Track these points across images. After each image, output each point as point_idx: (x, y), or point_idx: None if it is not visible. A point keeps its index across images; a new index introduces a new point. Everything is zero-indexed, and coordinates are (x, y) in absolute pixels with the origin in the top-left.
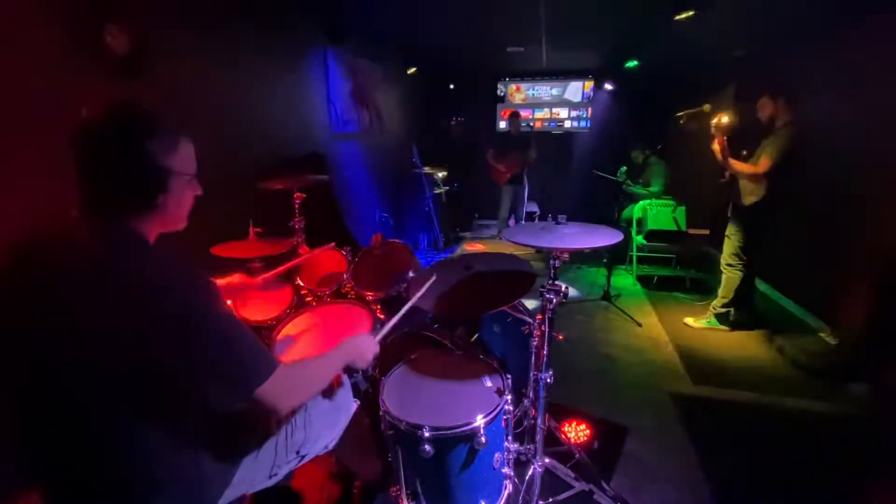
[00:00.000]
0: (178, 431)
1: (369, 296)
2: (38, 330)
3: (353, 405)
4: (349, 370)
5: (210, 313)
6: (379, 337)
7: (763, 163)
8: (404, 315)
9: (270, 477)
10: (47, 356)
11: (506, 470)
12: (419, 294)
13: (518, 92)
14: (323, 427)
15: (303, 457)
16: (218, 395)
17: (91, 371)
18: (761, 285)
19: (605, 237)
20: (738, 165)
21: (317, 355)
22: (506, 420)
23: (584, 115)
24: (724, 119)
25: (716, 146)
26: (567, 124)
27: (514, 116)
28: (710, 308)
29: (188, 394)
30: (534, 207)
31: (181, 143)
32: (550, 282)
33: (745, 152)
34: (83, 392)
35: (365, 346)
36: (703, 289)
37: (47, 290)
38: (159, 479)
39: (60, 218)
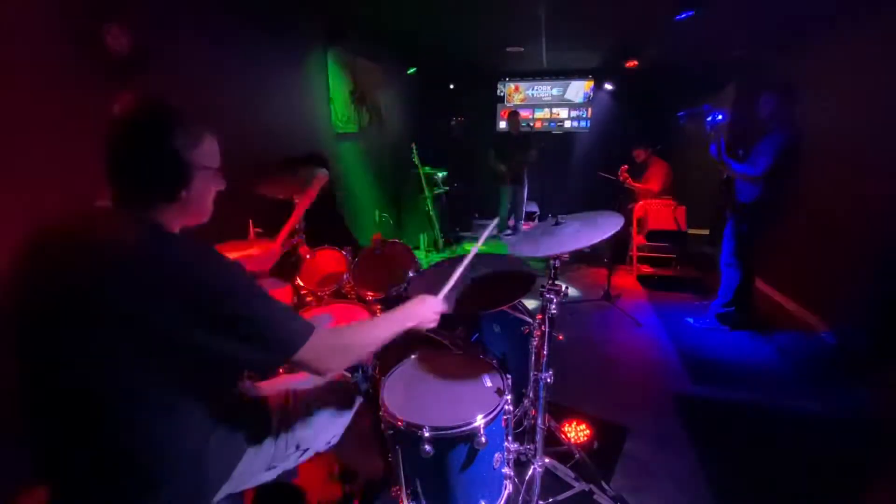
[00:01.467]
0: (185, 420)
1: (369, 296)
2: (62, 318)
3: (357, 401)
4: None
5: (235, 290)
6: (442, 294)
7: (760, 162)
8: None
9: (269, 469)
10: (68, 344)
11: (506, 470)
12: (480, 242)
13: (517, 92)
14: (325, 422)
15: (304, 451)
16: (254, 364)
17: (116, 358)
18: (761, 285)
19: (605, 227)
20: (735, 167)
21: (377, 318)
22: (506, 420)
23: (585, 115)
24: (719, 118)
25: (713, 150)
26: (567, 124)
27: (514, 116)
28: (710, 308)
29: (220, 369)
30: (534, 207)
31: (205, 138)
32: (550, 282)
33: (741, 152)
34: (103, 374)
35: (430, 306)
36: (703, 289)
37: (70, 277)
38: (161, 469)
39: (85, 209)
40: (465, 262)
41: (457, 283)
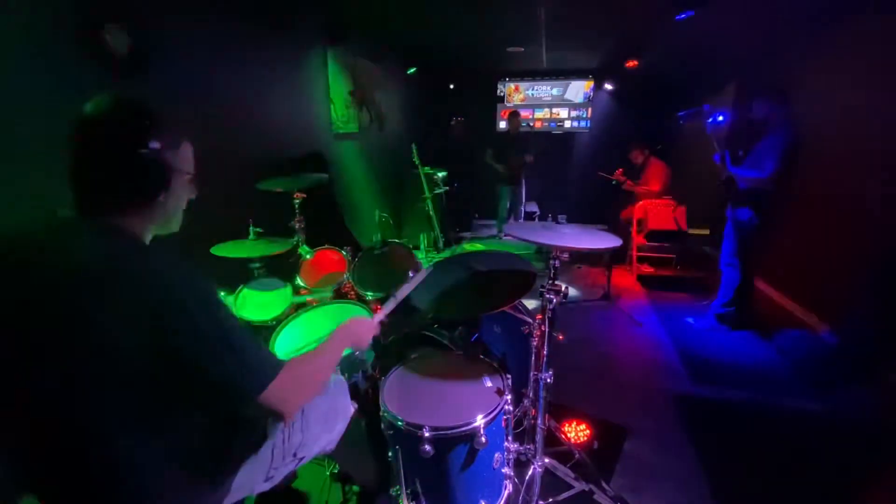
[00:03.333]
0: (177, 440)
1: (369, 296)
2: (30, 335)
3: (351, 408)
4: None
5: (212, 316)
6: (377, 319)
7: (767, 166)
8: (403, 303)
9: (267, 480)
10: (40, 362)
11: (506, 470)
12: (417, 279)
13: (517, 92)
14: (321, 430)
15: (300, 459)
16: (222, 398)
17: (90, 377)
18: (761, 285)
19: (603, 240)
20: (742, 172)
21: (316, 348)
22: (506, 420)
23: (584, 115)
24: (720, 119)
25: (717, 159)
26: (567, 124)
27: (513, 116)
28: (710, 308)
29: (190, 399)
30: (534, 207)
31: (183, 142)
32: (550, 282)
33: (741, 152)
34: (79, 399)
35: (363, 328)
36: (703, 289)
37: (39, 292)
38: (157, 489)
39: (51, 217)
40: (403, 292)
41: (397, 306)
